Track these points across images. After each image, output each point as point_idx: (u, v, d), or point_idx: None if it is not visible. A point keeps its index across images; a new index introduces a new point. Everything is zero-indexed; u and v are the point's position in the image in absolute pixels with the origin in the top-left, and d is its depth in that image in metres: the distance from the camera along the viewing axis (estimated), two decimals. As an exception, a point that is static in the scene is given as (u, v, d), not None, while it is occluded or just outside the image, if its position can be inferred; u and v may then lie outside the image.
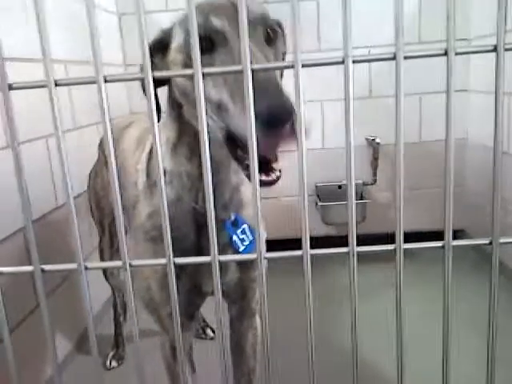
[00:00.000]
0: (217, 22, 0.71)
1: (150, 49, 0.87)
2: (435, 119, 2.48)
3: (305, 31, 2.41)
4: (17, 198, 0.46)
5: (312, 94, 2.48)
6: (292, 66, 0.44)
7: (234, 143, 0.71)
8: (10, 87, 0.44)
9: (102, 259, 1.70)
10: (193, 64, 0.43)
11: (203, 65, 0.74)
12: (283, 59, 0.89)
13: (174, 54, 0.80)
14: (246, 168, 0.71)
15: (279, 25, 0.86)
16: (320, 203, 2.56)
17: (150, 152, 0.98)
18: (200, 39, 0.74)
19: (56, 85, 0.44)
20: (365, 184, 2.60)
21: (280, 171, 0.69)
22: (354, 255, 0.47)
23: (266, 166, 0.68)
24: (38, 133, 1.60)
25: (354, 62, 0.44)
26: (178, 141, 0.90)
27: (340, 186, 2.60)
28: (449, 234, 0.47)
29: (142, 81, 0.43)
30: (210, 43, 0.72)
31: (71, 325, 1.85)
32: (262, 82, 0.59)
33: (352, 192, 0.47)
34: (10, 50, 1.42)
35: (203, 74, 0.44)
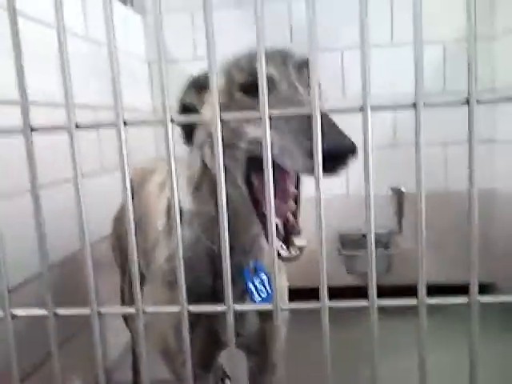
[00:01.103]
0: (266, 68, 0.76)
1: (190, 85, 0.90)
2: (461, 169, 2.44)
3: (329, 81, 2.45)
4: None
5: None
6: (311, 115, 0.44)
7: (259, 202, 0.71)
8: (32, 129, 0.45)
9: (123, 302, 1.69)
10: (259, 108, 0.43)
11: (245, 106, 0.74)
12: None
13: (216, 98, 0.83)
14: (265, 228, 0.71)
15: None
16: (343, 251, 2.51)
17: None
18: (247, 85, 0.77)
19: (77, 127, 0.45)
20: (390, 233, 2.55)
21: (301, 249, 0.69)
22: (373, 308, 0.45)
23: (287, 238, 0.68)
24: (65, 175, 1.63)
25: (372, 109, 0.44)
26: (200, 180, 0.90)
27: (364, 235, 2.55)
28: (474, 290, 0.45)
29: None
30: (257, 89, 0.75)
31: (90, 369, 1.82)
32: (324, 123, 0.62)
33: (372, 243, 0.45)
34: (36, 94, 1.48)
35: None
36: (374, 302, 0.45)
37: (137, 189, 1.37)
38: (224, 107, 0.78)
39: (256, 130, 0.74)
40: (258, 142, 0.73)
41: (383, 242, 2.53)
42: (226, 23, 2.35)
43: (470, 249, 0.45)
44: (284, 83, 0.74)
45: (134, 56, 2.44)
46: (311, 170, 0.63)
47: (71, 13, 1.80)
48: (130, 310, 0.45)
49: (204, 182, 0.89)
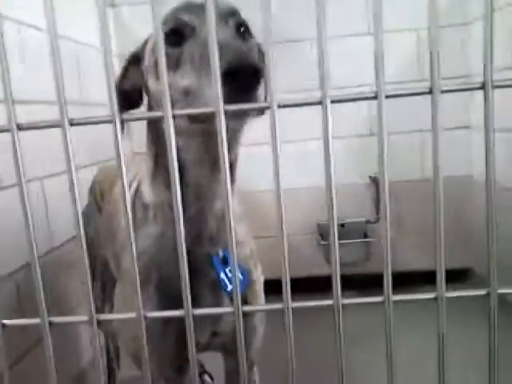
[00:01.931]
0: (185, 16, 0.76)
1: (128, 62, 0.89)
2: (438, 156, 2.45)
3: (300, 72, 2.42)
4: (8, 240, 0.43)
5: (313, 132, 2.47)
6: (268, 108, 0.42)
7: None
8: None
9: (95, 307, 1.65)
10: (162, 109, 0.41)
11: (174, 57, 0.71)
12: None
13: (148, 57, 0.83)
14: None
15: (258, 45, 0.86)
16: (322, 242, 2.51)
17: (136, 190, 0.93)
18: (170, 33, 0.76)
19: (19, 129, 0.42)
20: (368, 222, 2.56)
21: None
22: (339, 308, 0.44)
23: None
24: (32, 174, 1.58)
25: (332, 101, 0.42)
26: (155, 168, 0.86)
27: (343, 225, 2.56)
28: (442, 285, 0.43)
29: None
30: (180, 36, 0.76)
31: (62, 372, 1.78)
32: (225, 45, 0.59)
33: (335, 233, 0.44)
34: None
35: (173, 117, 0.42)
36: (339, 300, 0.44)
37: (107, 188, 1.33)
38: (156, 67, 0.78)
39: (183, 80, 0.72)
40: (189, 93, 0.71)
41: (362, 231, 2.54)
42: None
43: (436, 239, 0.43)
44: (202, 28, 0.73)
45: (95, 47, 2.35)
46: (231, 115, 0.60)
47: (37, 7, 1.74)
48: (82, 318, 0.43)
49: (158, 171, 0.86)
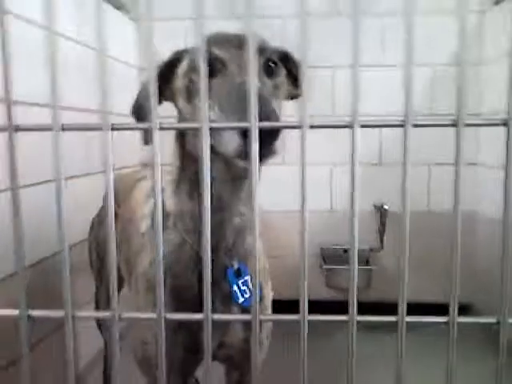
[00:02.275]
0: (216, 50, 0.78)
1: (158, 76, 0.90)
2: (444, 190, 2.48)
3: (319, 96, 2.47)
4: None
5: (322, 157, 2.50)
6: (299, 127, 0.44)
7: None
8: (17, 128, 0.44)
9: (98, 308, 1.66)
10: (200, 116, 0.43)
11: (199, 88, 0.73)
12: (295, 93, 0.93)
13: (180, 79, 0.84)
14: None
15: (292, 60, 0.88)
16: (325, 266, 2.52)
17: None
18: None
19: (63, 129, 0.44)
20: (371, 250, 2.56)
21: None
22: (353, 324, 0.45)
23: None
24: (46, 176, 1.61)
25: (361, 126, 0.44)
26: (179, 179, 0.89)
27: (346, 250, 2.56)
28: (454, 311, 0.45)
29: (145, 130, 0.43)
30: (211, 70, 0.78)
31: (62, 373, 1.78)
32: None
33: (355, 257, 0.45)
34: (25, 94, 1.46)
35: (210, 128, 0.44)
36: (354, 317, 0.45)
37: (123, 195, 1.35)
38: (187, 91, 0.81)
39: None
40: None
41: (364, 258, 2.54)
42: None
43: (452, 269, 0.45)
44: (234, 65, 0.75)
45: (127, 62, 2.43)
46: (244, 156, 0.63)
47: (64, 16, 1.79)
48: (106, 314, 0.44)
49: (182, 182, 0.88)
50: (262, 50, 0.80)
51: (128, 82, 2.47)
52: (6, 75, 0.44)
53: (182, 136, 0.86)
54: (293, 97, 0.94)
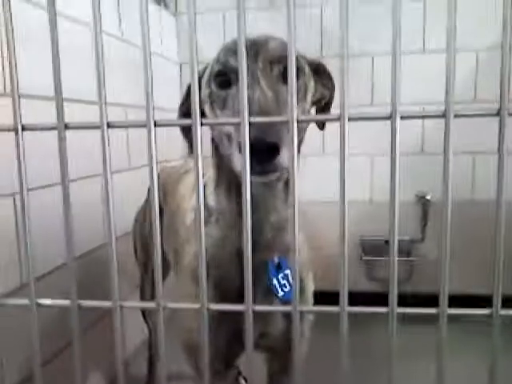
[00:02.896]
0: (233, 60, 0.78)
1: (188, 88, 0.92)
2: (489, 179, 2.40)
3: (358, 85, 2.44)
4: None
5: (363, 147, 2.47)
6: (338, 119, 0.44)
7: None
8: (66, 126, 0.46)
9: (143, 299, 1.72)
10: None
11: (221, 98, 0.76)
12: (326, 100, 0.93)
13: (203, 89, 0.85)
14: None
15: (315, 64, 0.88)
16: (364, 257, 2.50)
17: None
18: (220, 75, 0.79)
19: (108, 126, 0.46)
20: (413, 241, 2.52)
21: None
22: (393, 316, 0.45)
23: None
24: (96, 170, 1.66)
25: (401, 117, 0.43)
26: (218, 178, 0.91)
27: (387, 241, 2.53)
28: (497, 302, 0.44)
29: (183, 126, 0.44)
30: (228, 80, 0.79)
31: (109, 361, 1.85)
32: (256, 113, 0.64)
33: (395, 249, 0.45)
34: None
35: (250, 123, 0.44)
36: (394, 308, 0.45)
37: (170, 188, 1.39)
38: (209, 99, 0.82)
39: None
40: (229, 138, 0.73)
41: (405, 250, 2.51)
42: (259, 24, 2.35)
43: (495, 259, 0.44)
44: (248, 77, 0.74)
45: (166, 57, 2.47)
46: (252, 172, 0.64)
47: (106, 14, 1.84)
48: (151, 304, 0.46)
49: (220, 181, 0.90)
50: (279, 58, 0.78)
51: (169, 77, 2.51)
52: (11, 72, 0.46)
53: (216, 143, 0.87)
54: (323, 98, 0.93)
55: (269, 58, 0.77)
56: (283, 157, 0.65)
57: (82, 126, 0.47)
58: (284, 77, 0.78)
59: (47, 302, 0.50)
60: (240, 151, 0.62)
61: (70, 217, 0.47)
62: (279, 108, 0.70)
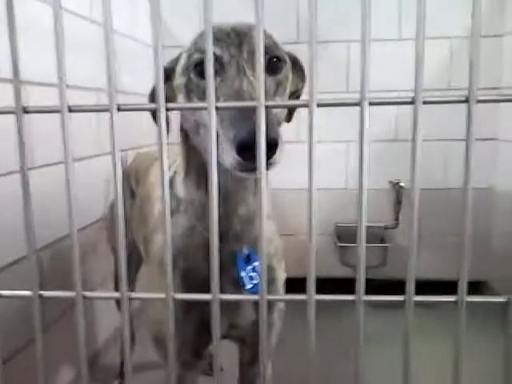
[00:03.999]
0: (216, 49, 0.73)
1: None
2: (462, 166, 2.44)
3: (334, 72, 2.43)
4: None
5: (338, 134, 2.47)
6: (306, 105, 0.43)
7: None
8: (25, 110, 0.44)
9: (117, 287, 1.70)
10: (206, 97, 0.43)
11: (201, 89, 0.75)
12: (299, 93, 0.91)
13: (178, 77, 0.82)
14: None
15: (292, 57, 0.86)
16: (339, 244, 2.52)
17: (171, 181, 0.96)
18: (200, 64, 0.76)
19: (70, 111, 0.44)
20: (386, 227, 2.55)
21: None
22: (360, 304, 0.45)
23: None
24: (58, 158, 1.62)
25: (370, 104, 0.43)
26: (187, 167, 0.89)
27: (361, 228, 2.56)
28: (463, 289, 0.44)
29: (154, 111, 0.43)
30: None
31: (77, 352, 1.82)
32: (239, 119, 0.61)
33: (363, 236, 0.45)
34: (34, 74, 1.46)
35: (216, 108, 0.43)
36: (361, 296, 0.45)
37: (142, 175, 1.37)
38: (185, 88, 0.78)
39: (204, 114, 0.73)
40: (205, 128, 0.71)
41: (379, 236, 2.54)
42: (233, 7, 2.32)
43: (462, 246, 0.44)
44: (233, 67, 0.72)
45: (140, 40, 2.40)
46: (238, 168, 0.63)
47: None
48: (116, 295, 0.45)
49: (189, 171, 0.88)
50: (267, 48, 0.75)
51: (143, 60, 2.45)
52: (13, 58, 0.44)
53: (185, 132, 0.85)
54: (297, 91, 0.92)
55: (253, 49, 0.74)
56: (279, 154, 0.63)
57: (41, 109, 0.45)
58: (268, 68, 0.76)
59: (7, 293, 0.48)
60: (234, 149, 0.61)
61: (29, 204, 0.45)
62: (266, 99, 0.68)
